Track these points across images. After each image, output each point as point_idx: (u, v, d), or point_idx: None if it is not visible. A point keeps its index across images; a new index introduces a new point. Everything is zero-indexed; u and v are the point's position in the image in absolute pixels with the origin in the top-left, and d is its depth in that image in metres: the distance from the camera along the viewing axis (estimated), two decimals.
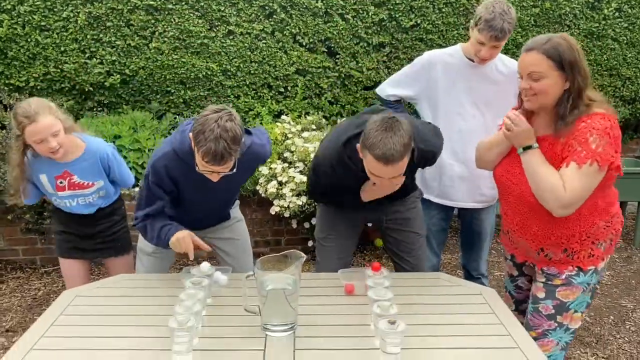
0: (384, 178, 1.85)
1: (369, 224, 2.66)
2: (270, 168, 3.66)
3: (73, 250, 2.54)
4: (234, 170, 1.87)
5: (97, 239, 2.54)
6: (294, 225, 3.83)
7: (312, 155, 3.60)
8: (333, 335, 1.66)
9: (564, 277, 1.83)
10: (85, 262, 2.60)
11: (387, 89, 2.61)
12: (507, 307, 1.86)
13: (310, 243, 3.82)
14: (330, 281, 2.02)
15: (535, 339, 1.75)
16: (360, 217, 2.34)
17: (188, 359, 1.52)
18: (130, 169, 3.96)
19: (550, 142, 1.78)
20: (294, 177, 3.58)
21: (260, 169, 3.69)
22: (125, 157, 3.90)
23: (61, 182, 2.34)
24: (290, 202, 3.54)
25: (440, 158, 2.30)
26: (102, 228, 2.54)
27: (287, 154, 3.71)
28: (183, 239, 1.96)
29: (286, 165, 3.68)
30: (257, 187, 3.71)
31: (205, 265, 1.86)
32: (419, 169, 2.28)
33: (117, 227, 2.59)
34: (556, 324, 1.86)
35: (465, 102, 2.45)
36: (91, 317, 1.77)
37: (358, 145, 1.90)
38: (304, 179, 3.57)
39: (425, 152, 2.03)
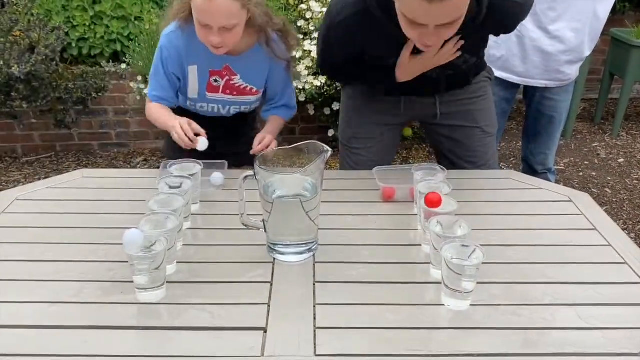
0: (428, 27, 1.16)
1: (416, 124, 1.99)
2: None
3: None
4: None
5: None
6: (311, 112, 3.24)
7: None
8: (368, 260, 1.16)
9: None
10: None
11: None
12: (609, 217, 1.33)
13: (331, 133, 3.26)
14: (362, 183, 1.49)
15: None
16: (403, 113, 1.63)
17: (158, 296, 1.03)
18: (114, 41, 3.35)
19: None
20: (310, 52, 2.94)
21: None
22: (107, 27, 3.26)
23: (216, 81, 1.63)
24: (305, 82, 2.93)
25: None
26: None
27: (301, 23, 3.03)
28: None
29: (300, 36, 3.01)
30: None
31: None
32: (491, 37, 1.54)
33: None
34: None
35: None
36: (33, 231, 1.28)
37: None
38: None
39: (504, 7, 1.31)
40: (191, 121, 1.52)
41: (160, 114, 1.61)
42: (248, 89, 1.65)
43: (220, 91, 1.64)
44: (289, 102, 1.75)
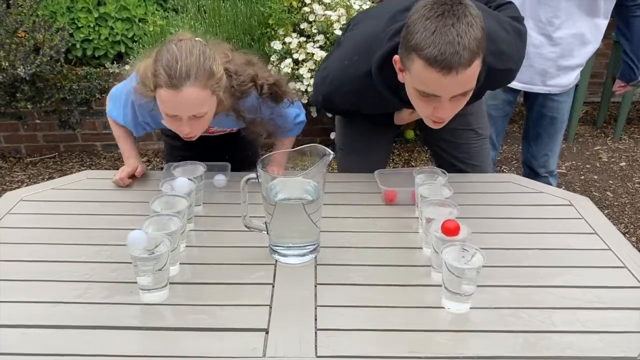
0: (441, 100, 1.17)
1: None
2: (284, 43, 3.02)
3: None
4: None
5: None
6: (314, 114, 3.26)
7: (335, 26, 2.94)
8: (369, 263, 1.17)
9: None
10: None
11: None
12: (609, 221, 1.34)
13: (333, 135, 3.27)
14: (364, 185, 1.50)
15: None
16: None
17: (161, 296, 1.04)
18: (118, 42, 3.37)
19: None
20: (313, 54, 2.95)
21: (272, 44, 3.06)
22: (111, 29, 3.28)
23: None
24: (308, 85, 2.94)
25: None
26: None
27: (304, 25, 3.05)
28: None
29: (303, 39, 3.03)
30: (269, 67, 3.09)
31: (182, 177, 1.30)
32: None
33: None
34: None
35: None
36: (38, 231, 1.29)
37: (396, 57, 1.22)
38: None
39: (498, 72, 1.31)
40: (138, 170, 1.51)
41: (121, 142, 1.58)
42: (227, 130, 1.60)
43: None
44: (288, 123, 1.59)
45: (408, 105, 1.29)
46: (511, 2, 1.51)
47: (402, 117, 1.55)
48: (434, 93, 1.16)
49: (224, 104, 1.34)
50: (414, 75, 1.16)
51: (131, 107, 1.47)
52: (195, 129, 1.34)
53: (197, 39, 1.30)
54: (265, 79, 1.40)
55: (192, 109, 1.27)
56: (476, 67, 1.13)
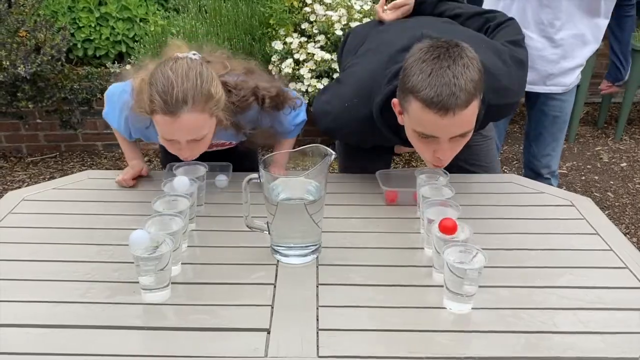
0: (440, 141, 1.17)
1: None
2: (285, 43, 3.02)
3: None
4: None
5: None
6: None
7: (336, 27, 2.94)
8: (370, 263, 1.17)
9: None
10: None
11: None
12: (610, 222, 1.34)
13: None
14: (366, 186, 1.50)
15: None
16: None
17: (163, 296, 1.04)
18: (119, 42, 3.37)
19: None
20: (313, 55, 2.95)
21: (273, 44, 3.06)
22: (113, 28, 3.28)
23: None
24: (309, 85, 2.95)
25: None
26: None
27: (305, 25, 3.05)
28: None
29: (304, 39, 3.03)
30: (270, 67, 3.09)
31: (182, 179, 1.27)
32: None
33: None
34: None
35: None
36: (40, 231, 1.29)
37: (394, 101, 1.23)
38: (326, 56, 2.94)
39: (499, 108, 1.34)
40: (143, 170, 1.52)
41: (122, 143, 1.58)
42: (226, 143, 1.56)
43: None
44: (287, 129, 1.56)
45: (409, 144, 1.30)
46: (512, 19, 1.51)
47: (403, 148, 1.57)
48: (433, 134, 1.17)
49: (224, 122, 1.31)
50: (412, 117, 1.17)
51: (125, 122, 1.43)
52: (195, 151, 1.31)
53: (192, 53, 1.27)
54: (266, 90, 1.37)
55: (191, 134, 1.24)
56: (474, 107, 1.14)
